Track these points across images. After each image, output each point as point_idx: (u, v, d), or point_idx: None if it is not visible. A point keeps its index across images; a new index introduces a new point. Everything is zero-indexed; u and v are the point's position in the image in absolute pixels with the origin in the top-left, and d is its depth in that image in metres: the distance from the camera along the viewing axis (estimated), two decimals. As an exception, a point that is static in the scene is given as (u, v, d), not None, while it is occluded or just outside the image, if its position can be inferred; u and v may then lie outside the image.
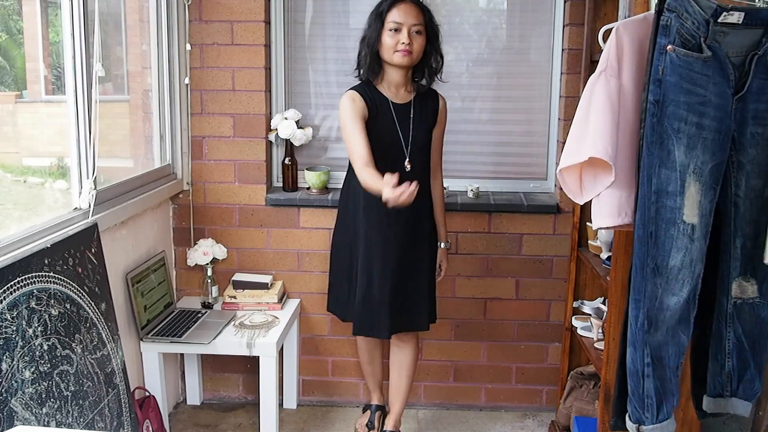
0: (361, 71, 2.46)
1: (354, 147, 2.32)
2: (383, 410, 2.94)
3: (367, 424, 2.89)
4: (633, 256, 1.63)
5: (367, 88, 2.45)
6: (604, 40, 1.81)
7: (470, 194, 3.03)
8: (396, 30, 2.34)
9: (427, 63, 2.46)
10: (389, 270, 2.49)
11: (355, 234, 2.55)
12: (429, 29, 2.40)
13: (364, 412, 3.00)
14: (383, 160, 2.34)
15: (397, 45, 2.34)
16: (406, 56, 2.35)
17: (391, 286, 2.50)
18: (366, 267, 2.51)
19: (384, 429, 2.82)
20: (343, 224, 2.64)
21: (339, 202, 2.69)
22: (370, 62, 2.41)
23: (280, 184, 3.17)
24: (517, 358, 3.14)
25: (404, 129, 2.45)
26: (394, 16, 2.34)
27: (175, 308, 2.94)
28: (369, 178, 2.21)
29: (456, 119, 3.15)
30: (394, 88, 2.47)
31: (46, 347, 1.85)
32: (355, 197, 2.52)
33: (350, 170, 2.50)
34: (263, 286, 2.98)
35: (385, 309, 2.50)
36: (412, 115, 2.47)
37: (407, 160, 2.45)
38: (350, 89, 2.46)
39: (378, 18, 2.37)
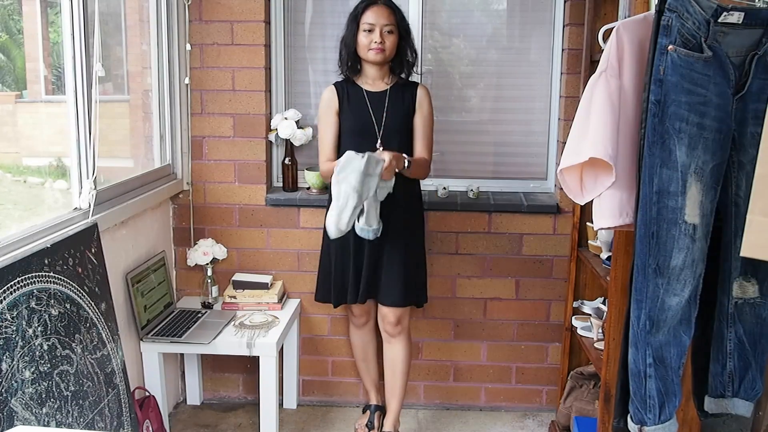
0: (343, 70, 2.67)
1: (321, 143, 2.70)
2: (382, 410, 2.95)
3: (366, 425, 2.90)
4: (634, 257, 1.62)
5: (345, 82, 2.69)
6: (604, 40, 1.81)
7: (470, 194, 3.03)
8: (369, 30, 2.55)
9: (403, 57, 2.65)
10: (363, 247, 2.63)
11: None
12: (401, 28, 2.61)
13: (363, 413, 3.00)
14: (357, 139, 2.61)
15: (370, 44, 2.56)
16: (380, 54, 2.57)
17: (366, 259, 2.64)
18: (343, 245, 2.65)
19: (383, 430, 2.83)
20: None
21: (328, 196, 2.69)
22: (349, 60, 2.64)
23: (280, 184, 3.17)
24: (517, 358, 3.14)
25: (377, 113, 2.63)
26: (367, 17, 2.56)
27: (175, 308, 2.94)
28: (326, 171, 2.66)
29: (456, 119, 3.16)
30: (371, 80, 2.67)
31: (46, 347, 1.85)
32: None
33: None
34: (263, 286, 2.98)
35: (358, 278, 2.66)
36: (386, 102, 2.64)
37: (379, 141, 2.61)
38: (332, 84, 2.70)
39: (353, 20, 2.60)
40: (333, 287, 2.72)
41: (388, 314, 2.72)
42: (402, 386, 2.80)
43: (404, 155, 2.53)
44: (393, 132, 2.62)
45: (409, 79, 2.70)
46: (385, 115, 2.62)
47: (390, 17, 2.56)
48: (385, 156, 2.38)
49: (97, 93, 2.28)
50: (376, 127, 2.62)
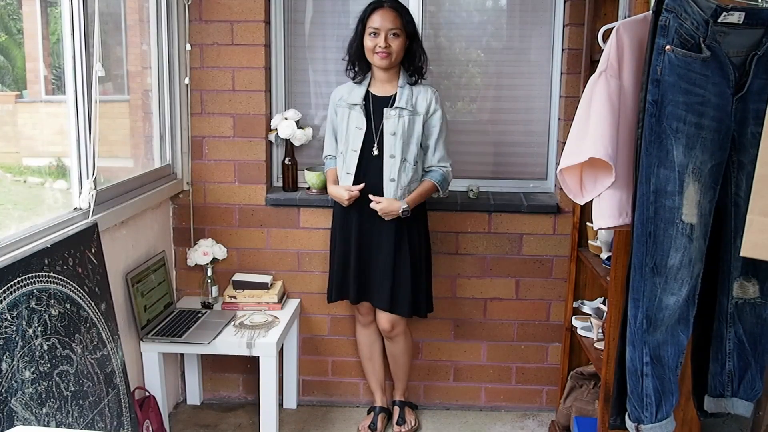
0: (349, 73, 2.72)
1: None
2: (387, 413, 2.95)
3: (369, 426, 2.89)
4: (632, 256, 1.62)
5: (353, 83, 2.72)
6: (604, 40, 1.81)
7: (470, 194, 3.03)
8: (375, 34, 2.57)
9: (411, 59, 2.67)
10: (356, 248, 2.71)
11: (340, 222, 2.78)
12: (407, 30, 2.61)
13: (368, 414, 3.00)
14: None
15: (375, 48, 2.58)
16: (385, 59, 2.58)
17: (356, 261, 2.71)
18: (342, 244, 2.75)
19: (394, 399, 2.98)
20: (334, 215, 2.84)
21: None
22: (358, 64, 2.68)
23: (280, 184, 3.17)
24: (517, 358, 3.14)
25: (377, 117, 2.64)
26: (373, 22, 2.57)
27: (175, 308, 2.94)
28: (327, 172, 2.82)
29: (456, 119, 3.15)
30: (379, 83, 2.69)
31: (46, 347, 1.85)
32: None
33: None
34: (263, 286, 2.98)
35: (355, 279, 2.73)
36: (390, 105, 2.64)
37: (374, 146, 2.63)
38: (340, 86, 2.79)
39: (360, 23, 2.62)
40: (335, 284, 2.80)
41: (381, 319, 2.78)
42: (405, 368, 2.95)
43: (402, 203, 2.58)
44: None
45: (420, 81, 2.68)
46: (384, 118, 2.62)
47: (396, 21, 2.56)
48: (376, 207, 2.59)
49: (97, 93, 2.28)
50: (373, 130, 2.63)
